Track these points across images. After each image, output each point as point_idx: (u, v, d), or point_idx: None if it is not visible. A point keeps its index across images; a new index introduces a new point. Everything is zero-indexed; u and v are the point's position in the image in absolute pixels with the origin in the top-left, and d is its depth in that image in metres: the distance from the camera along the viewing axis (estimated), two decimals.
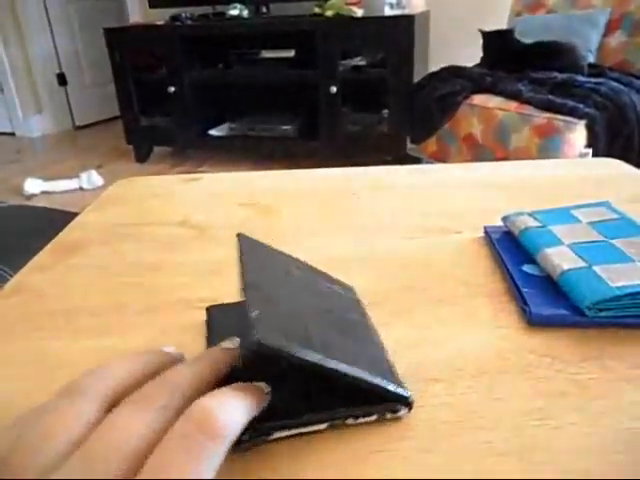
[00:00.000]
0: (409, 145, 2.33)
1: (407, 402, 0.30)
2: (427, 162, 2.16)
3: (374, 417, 0.29)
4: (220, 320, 0.37)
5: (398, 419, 0.30)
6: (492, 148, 1.88)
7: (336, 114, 2.50)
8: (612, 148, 1.72)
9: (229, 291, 0.44)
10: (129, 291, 0.45)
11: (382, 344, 0.35)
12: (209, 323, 0.37)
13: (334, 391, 0.28)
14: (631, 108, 1.73)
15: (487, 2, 2.59)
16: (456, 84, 1.97)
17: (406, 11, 2.39)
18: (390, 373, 0.31)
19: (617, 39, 2.05)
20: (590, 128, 1.69)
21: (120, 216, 0.60)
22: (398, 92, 2.34)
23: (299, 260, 0.39)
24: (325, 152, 2.58)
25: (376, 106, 2.57)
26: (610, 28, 2.05)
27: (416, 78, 2.29)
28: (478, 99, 1.94)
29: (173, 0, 2.82)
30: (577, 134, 1.71)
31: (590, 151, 1.72)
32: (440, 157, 2.05)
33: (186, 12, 2.72)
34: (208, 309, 0.39)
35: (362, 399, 0.29)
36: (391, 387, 0.29)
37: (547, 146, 1.76)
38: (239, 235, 0.36)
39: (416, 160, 2.26)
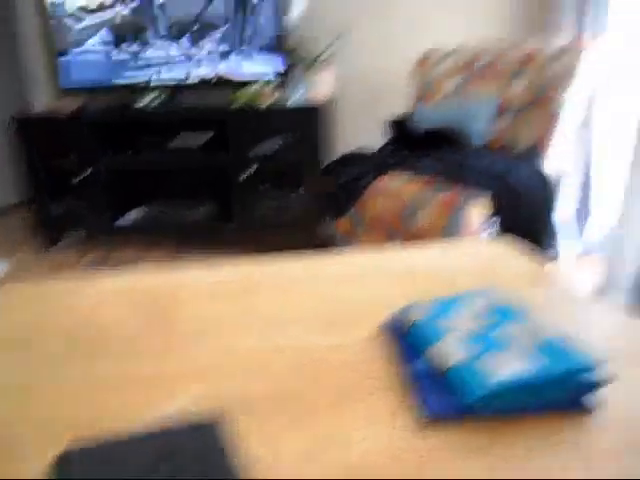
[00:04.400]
0: (323, 225, 2.39)
1: None
2: (341, 241, 2.23)
3: None
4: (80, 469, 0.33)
5: None
6: (399, 226, 1.97)
7: (250, 197, 2.55)
8: (507, 222, 1.86)
9: (113, 411, 0.41)
10: None
11: None
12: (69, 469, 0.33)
13: None
14: (519, 185, 1.90)
15: (388, 90, 2.81)
16: (362, 167, 2.08)
17: (312, 99, 2.53)
18: None
19: (502, 124, 2.27)
20: (488, 203, 1.83)
21: None
22: (309, 175, 2.44)
23: (134, 440, 0.36)
24: (241, 234, 2.59)
25: (289, 189, 2.65)
26: (497, 113, 2.28)
27: (326, 161, 2.40)
28: (383, 180, 2.05)
29: (82, 89, 2.82)
30: (478, 208, 1.84)
31: (490, 224, 1.85)
32: (352, 236, 2.12)
33: (95, 100, 2.72)
34: (67, 449, 0.34)
35: None
36: None
37: (452, 221, 1.87)
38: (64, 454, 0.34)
39: (331, 239, 2.32)
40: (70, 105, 2.79)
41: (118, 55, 2.70)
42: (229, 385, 0.45)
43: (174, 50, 2.62)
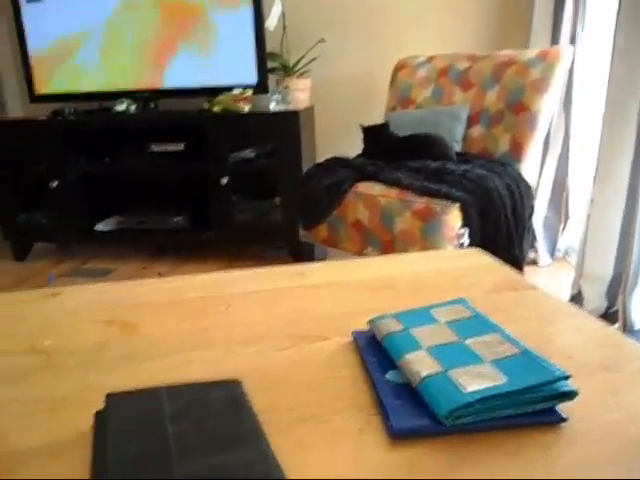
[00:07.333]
0: (302, 232, 2.38)
1: None
2: (319, 248, 2.21)
3: None
4: (120, 412, 0.38)
5: None
6: (378, 232, 1.96)
7: (228, 205, 2.52)
8: (483, 227, 1.87)
9: (67, 434, 0.39)
10: None
11: (259, 435, 0.36)
12: (108, 413, 0.38)
13: None
14: (495, 191, 1.91)
15: (365, 98, 2.81)
16: (341, 174, 2.07)
17: (291, 107, 2.52)
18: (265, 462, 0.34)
19: (478, 131, 2.28)
20: (463, 210, 1.83)
21: None
22: (288, 182, 2.42)
23: (170, 388, 0.41)
24: (219, 242, 2.56)
25: (268, 195, 2.63)
26: (471, 121, 2.29)
27: (305, 167, 2.39)
28: (362, 187, 2.05)
29: (55, 96, 2.77)
30: (452, 216, 1.85)
31: (466, 230, 1.85)
32: (331, 243, 2.10)
33: (69, 107, 2.67)
34: (108, 396, 0.40)
35: None
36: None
37: (428, 228, 1.87)
38: (108, 396, 0.39)
39: (309, 247, 2.30)
40: (45, 111, 2.74)
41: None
42: None
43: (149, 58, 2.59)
